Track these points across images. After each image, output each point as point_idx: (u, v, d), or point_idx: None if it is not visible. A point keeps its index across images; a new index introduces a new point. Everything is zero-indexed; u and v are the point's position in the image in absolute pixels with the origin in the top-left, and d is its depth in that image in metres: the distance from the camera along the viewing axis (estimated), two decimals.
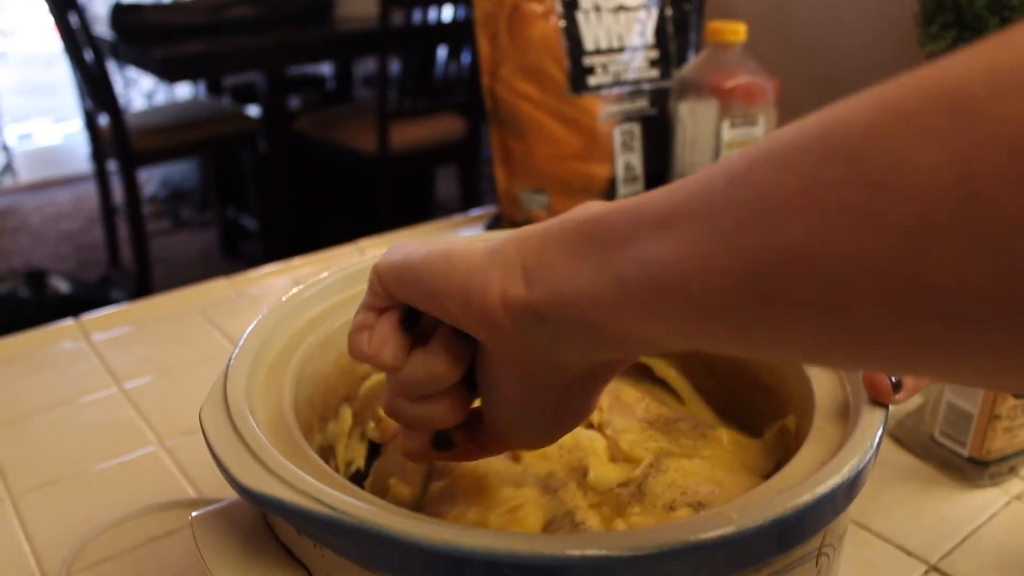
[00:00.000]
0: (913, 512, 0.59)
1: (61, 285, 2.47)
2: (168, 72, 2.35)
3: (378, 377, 0.48)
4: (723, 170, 0.23)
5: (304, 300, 0.45)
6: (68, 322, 0.83)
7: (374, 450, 0.49)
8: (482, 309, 0.28)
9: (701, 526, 0.29)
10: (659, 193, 0.25)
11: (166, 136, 2.55)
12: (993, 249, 0.17)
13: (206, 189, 3.51)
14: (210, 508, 0.37)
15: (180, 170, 3.69)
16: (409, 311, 0.33)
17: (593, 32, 0.92)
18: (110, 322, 0.83)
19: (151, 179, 3.71)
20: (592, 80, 0.93)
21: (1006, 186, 0.17)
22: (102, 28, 2.51)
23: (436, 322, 0.32)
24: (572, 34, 0.91)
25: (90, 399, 0.71)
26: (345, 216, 2.84)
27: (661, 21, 0.97)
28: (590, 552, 0.28)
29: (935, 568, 0.54)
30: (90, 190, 3.70)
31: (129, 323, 0.83)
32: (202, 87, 3.29)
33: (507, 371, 0.31)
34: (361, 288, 0.47)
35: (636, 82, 0.96)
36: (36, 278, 2.45)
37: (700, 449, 0.43)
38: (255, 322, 0.41)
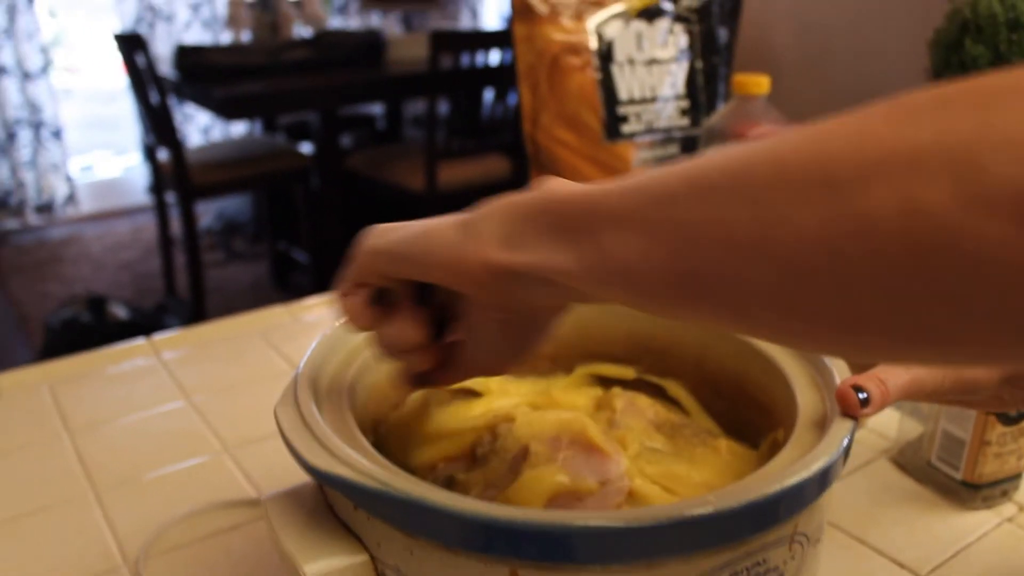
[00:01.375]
0: (909, 530, 0.64)
1: (120, 311, 2.58)
2: (228, 110, 2.47)
3: (424, 392, 0.55)
4: (662, 189, 0.30)
5: None
6: (141, 341, 0.91)
7: None
8: (467, 272, 0.35)
9: (685, 506, 0.35)
10: (611, 191, 0.31)
11: (223, 171, 2.67)
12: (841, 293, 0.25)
13: (259, 222, 3.64)
14: (280, 491, 0.44)
15: (234, 204, 3.82)
16: (380, 290, 0.40)
17: (627, 83, 0.99)
18: (178, 342, 0.91)
19: (206, 212, 3.85)
20: (626, 128, 1.00)
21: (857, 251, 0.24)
22: (165, 67, 2.65)
23: (398, 297, 0.40)
24: (607, 85, 0.98)
25: (162, 410, 0.79)
26: None
27: (692, 73, 1.04)
28: (592, 523, 0.34)
29: None
30: (147, 221, 3.86)
31: (195, 344, 0.91)
32: (258, 125, 3.42)
33: (488, 314, 0.39)
34: None
35: (668, 130, 1.02)
36: (97, 304, 2.57)
37: (699, 454, 0.49)
38: (318, 338, 0.48)
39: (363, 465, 0.38)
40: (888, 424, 0.75)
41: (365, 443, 0.41)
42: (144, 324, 2.41)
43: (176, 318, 2.62)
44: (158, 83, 2.48)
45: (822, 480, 0.38)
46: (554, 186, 0.33)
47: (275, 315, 0.98)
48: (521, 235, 0.33)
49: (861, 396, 0.42)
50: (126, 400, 0.80)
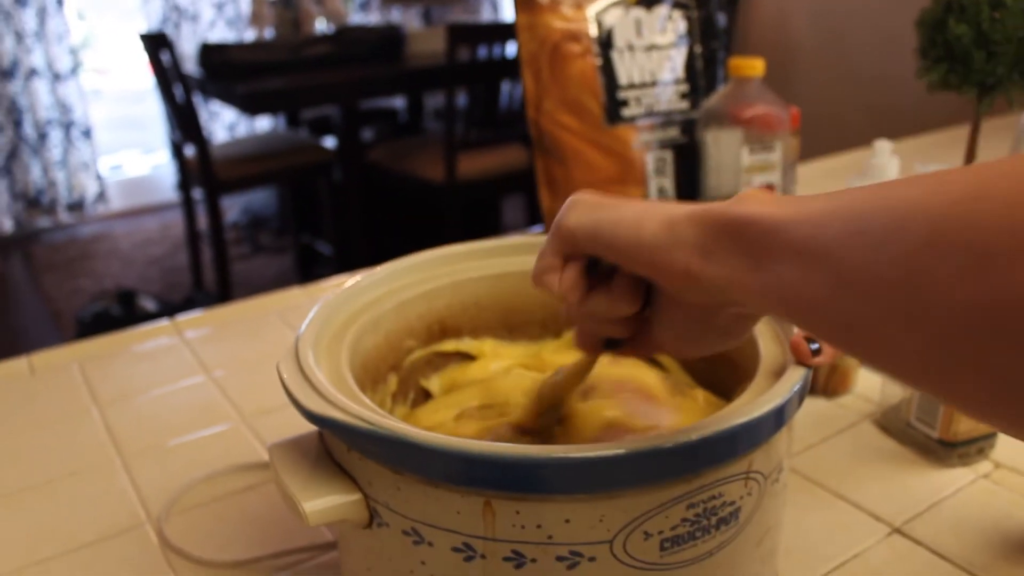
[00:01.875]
0: (886, 486, 0.67)
1: (149, 304, 2.65)
2: (251, 106, 2.52)
3: (420, 353, 0.59)
4: (835, 230, 0.30)
5: (361, 288, 0.56)
6: (164, 322, 0.96)
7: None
8: (669, 275, 0.36)
9: (643, 440, 0.38)
10: (797, 219, 0.32)
11: (248, 166, 2.73)
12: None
13: (283, 216, 3.70)
14: (284, 439, 0.48)
15: (259, 198, 3.89)
16: (592, 261, 0.41)
17: (627, 68, 1.03)
18: (200, 322, 0.96)
19: (232, 207, 3.92)
20: (626, 112, 1.03)
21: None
22: (190, 66, 2.71)
23: (613, 269, 0.41)
24: (607, 71, 1.02)
25: (184, 384, 0.84)
26: (414, 241, 2.98)
27: (690, 57, 1.07)
28: (556, 456, 0.38)
29: (898, 531, 0.62)
30: (175, 218, 3.94)
31: (215, 323, 0.96)
32: (281, 120, 3.48)
33: (677, 308, 0.40)
34: (406, 281, 0.58)
35: (667, 113, 1.06)
36: (127, 298, 2.64)
37: (679, 403, 0.52)
38: (320, 303, 0.52)
39: (354, 409, 0.42)
40: (872, 389, 0.78)
41: (360, 394, 0.45)
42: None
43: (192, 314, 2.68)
44: (183, 81, 2.54)
45: (774, 420, 0.42)
46: (750, 202, 0.34)
47: (293, 296, 1.02)
48: (715, 248, 0.35)
49: (812, 347, 0.45)
50: (151, 376, 0.85)
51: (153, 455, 0.73)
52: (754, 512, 0.44)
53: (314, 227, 3.18)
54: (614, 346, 0.46)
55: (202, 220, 3.01)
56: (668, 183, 1.07)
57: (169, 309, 2.62)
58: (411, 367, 0.59)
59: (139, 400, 0.81)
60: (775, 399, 0.42)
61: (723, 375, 0.55)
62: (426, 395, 0.60)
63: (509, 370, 0.57)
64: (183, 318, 0.97)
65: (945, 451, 0.68)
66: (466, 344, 0.61)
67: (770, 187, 1.00)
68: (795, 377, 0.44)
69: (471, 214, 2.93)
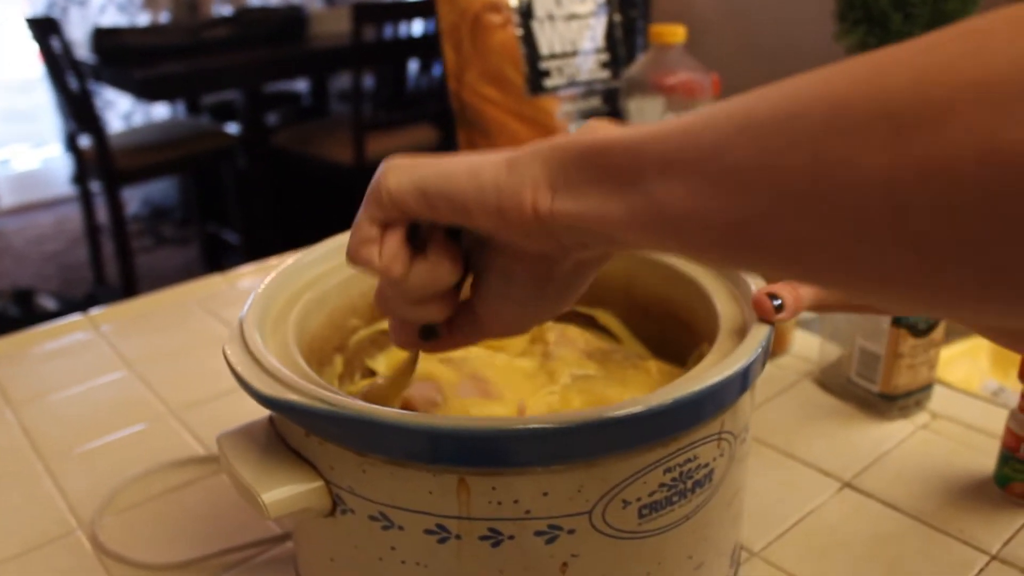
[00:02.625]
0: (832, 443, 0.68)
1: (48, 303, 2.53)
2: (150, 92, 2.42)
3: (365, 332, 0.57)
4: (709, 133, 0.27)
5: (302, 266, 0.53)
6: (77, 317, 0.91)
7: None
8: (518, 220, 0.32)
9: (618, 407, 0.37)
10: (658, 134, 0.29)
11: (149, 155, 2.62)
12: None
13: (186, 206, 3.58)
14: (232, 428, 0.45)
15: (159, 189, 3.76)
16: (413, 227, 0.36)
17: (548, 38, 1.01)
18: (116, 315, 0.91)
19: (131, 199, 3.78)
20: (548, 82, 1.02)
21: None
22: (82, 52, 2.59)
23: (431, 233, 0.37)
24: (529, 41, 1.00)
25: (105, 380, 0.79)
26: (324, 226, 2.92)
27: (610, 27, 1.06)
28: (532, 426, 0.36)
29: (848, 484, 0.63)
30: (71, 212, 3.77)
31: (133, 316, 0.91)
32: (181, 107, 3.37)
33: (513, 265, 0.37)
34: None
35: (589, 83, 1.05)
36: (24, 297, 2.52)
37: (629, 377, 0.51)
38: (264, 281, 0.50)
39: (313, 391, 0.39)
40: (810, 348, 0.79)
41: (313, 374, 0.43)
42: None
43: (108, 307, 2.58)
44: (76, 68, 2.42)
45: (744, 379, 0.41)
46: (600, 129, 0.31)
47: (211, 284, 0.98)
48: (569, 182, 0.31)
49: (775, 303, 0.45)
50: (68, 373, 0.80)
51: (78, 457, 0.69)
52: (725, 473, 0.44)
53: (220, 216, 3.08)
54: (432, 335, 0.41)
55: (101, 213, 2.89)
56: None
57: (70, 306, 2.51)
58: (356, 347, 0.56)
59: (55, 399, 0.76)
60: (743, 358, 0.41)
61: (677, 338, 0.55)
62: (372, 375, 0.57)
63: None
64: (97, 311, 0.92)
65: (886, 404, 0.69)
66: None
67: None
68: (760, 335, 0.43)
69: None
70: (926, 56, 0.23)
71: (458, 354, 0.53)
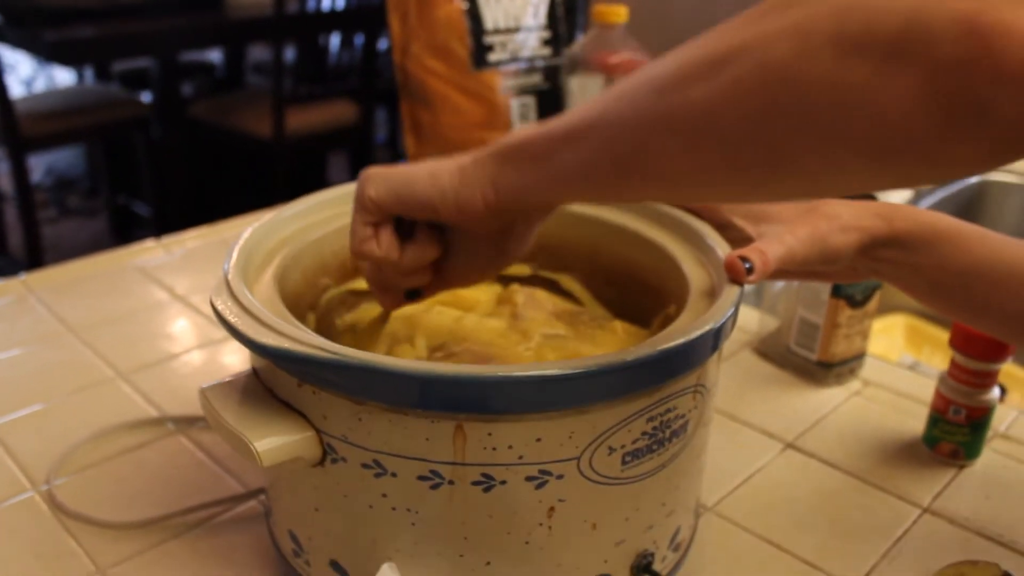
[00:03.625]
0: (774, 407, 0.71)
1: None
2: (62, 56, 2.34)
3: (335, 291, 0.57)
4: (593, 107, 0.39)
5: (278, 223, 0.54)
6: (11, 280, 0.88)
7: None
8: (474, 214, 0.43)
9: (612, 356, 0.39)
10: (560, 123, 0.40)
11: (57, 121, 2.53)
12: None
13: (94, 176, 3.47)
14: (214, 383, 0.46)
15: (64, 158, 3.63)
16: (399, 221, 0.46)
17: (493, 13, 1.02)
18: (52, 278, 0.89)
19: (35, 167, 3.63)
20: (492, 57, 1.03)
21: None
22: None
23: (413, 223, 0.46)
24: (474, 15, 1.01)
25: (47, 344, 0.78)
26: (240, 199, 2.86)
27: (552, 4, 1.07)
28: (529, 373, 0.38)
29: (791, 445, 0.66)
30: None
31: (70, 280, 0.89)
32: (89, 73, 3.25)
33: (480, 239, 0.47)
34: (320, 216, 0.57)
35: (531, 59, 1.06)
36: None
37: (598, 336, 0.53)
38: (242, 238, 0.50)
39: (310, 339, 0.40)
40: (750, 320, 0.82)
41: (302, 325, 0.43)
42: None
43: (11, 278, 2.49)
44: None
45: (718, 335, 0.44)
46: (522, 131, 0.42)
47: (149, 249, 0.96)
48: (505, 174, 0.42)
49: (746, 265, 0.47)
50: (6, 336, 0.78)
51: (25, 420, 0.67)
52: (698, 425, 0.46)
53: (131, 187, 2.99)
54: (416, 295, 0.52)
55: (3, 180, 2.78)
56: None
57: None
58: (327, 306, 0.57)
59: None
60: (718, 315, 0.44)
61: (638, 302, 0.57)
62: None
63: (430, 308, 0.56)
64: (33, 275, 0.89)
65: (823, 372, 0.73)
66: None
67: None
68: (733, 295, 0.46)
69: (296, 172, 2.84)
70: (724, 31, 0.35)
71: (426, 318, 0.54)
